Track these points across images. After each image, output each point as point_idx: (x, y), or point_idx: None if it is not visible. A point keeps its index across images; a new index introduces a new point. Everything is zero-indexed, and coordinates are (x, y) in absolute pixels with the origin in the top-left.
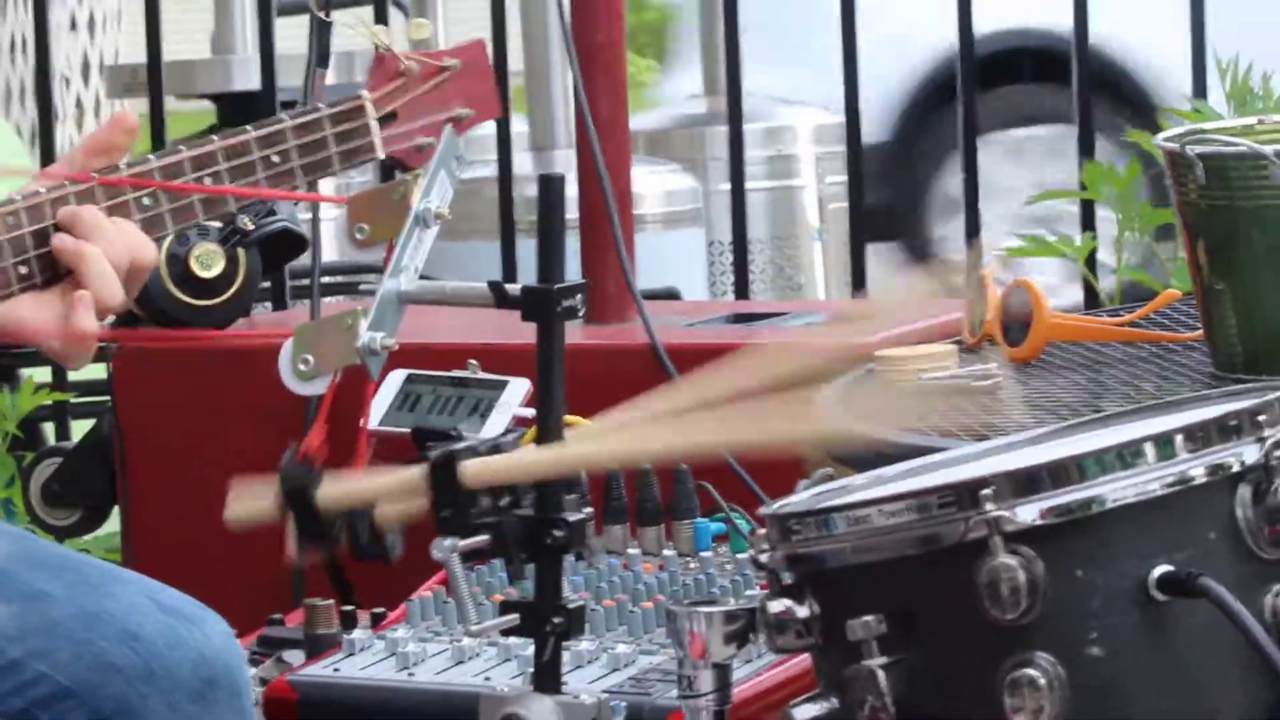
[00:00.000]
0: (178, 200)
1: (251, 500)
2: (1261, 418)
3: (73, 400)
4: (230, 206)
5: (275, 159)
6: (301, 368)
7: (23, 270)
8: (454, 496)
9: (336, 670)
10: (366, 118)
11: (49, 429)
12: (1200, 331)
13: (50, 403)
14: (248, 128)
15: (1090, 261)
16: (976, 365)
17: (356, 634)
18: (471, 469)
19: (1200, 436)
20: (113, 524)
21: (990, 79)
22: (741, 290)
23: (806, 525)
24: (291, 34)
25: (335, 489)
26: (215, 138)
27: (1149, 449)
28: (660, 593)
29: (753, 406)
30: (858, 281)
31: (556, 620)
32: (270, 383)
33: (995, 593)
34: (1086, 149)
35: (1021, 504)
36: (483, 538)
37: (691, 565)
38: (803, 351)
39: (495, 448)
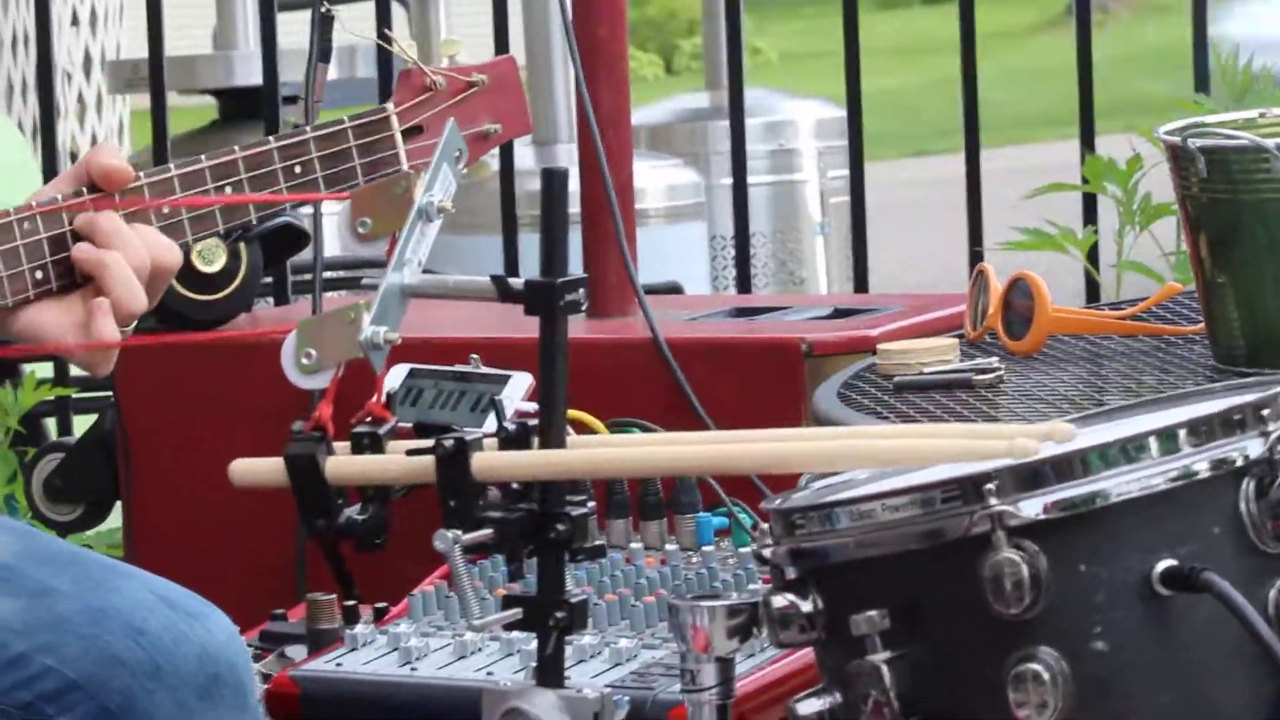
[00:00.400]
0: (196, 208)
1: (259, 466)
2: (1265, 412)
3: (75, 395)
4: (250, 215)
5: (298, 169)
6: (304, 362)
7: (39, 276)
8: (462, 488)
9: (339, 665)
10: (391, 130)
11: (51, 424)
12: (1202, 325)
13: (52, 398)
14: (269, 139)
15: (1092, 255)
16: (978, 359)
17: (359, 629)
18: (482, 462)
19: (1204, 431)
20: (115, 519)
21: None
22: (744, 284)
23: (810, 520)
24: (293, 29)
25: (344, 464)
26: (236, 148)
27: (1153, 443)
28: (663, 587)
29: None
30: (860, 276)
31: (559, 615)
32: (273, 377)
33: (999, 587)
34: (1088, 142)
35: (1025, 498)
36: (486, 532)
37: (694, 559)
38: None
39: (508, 441)
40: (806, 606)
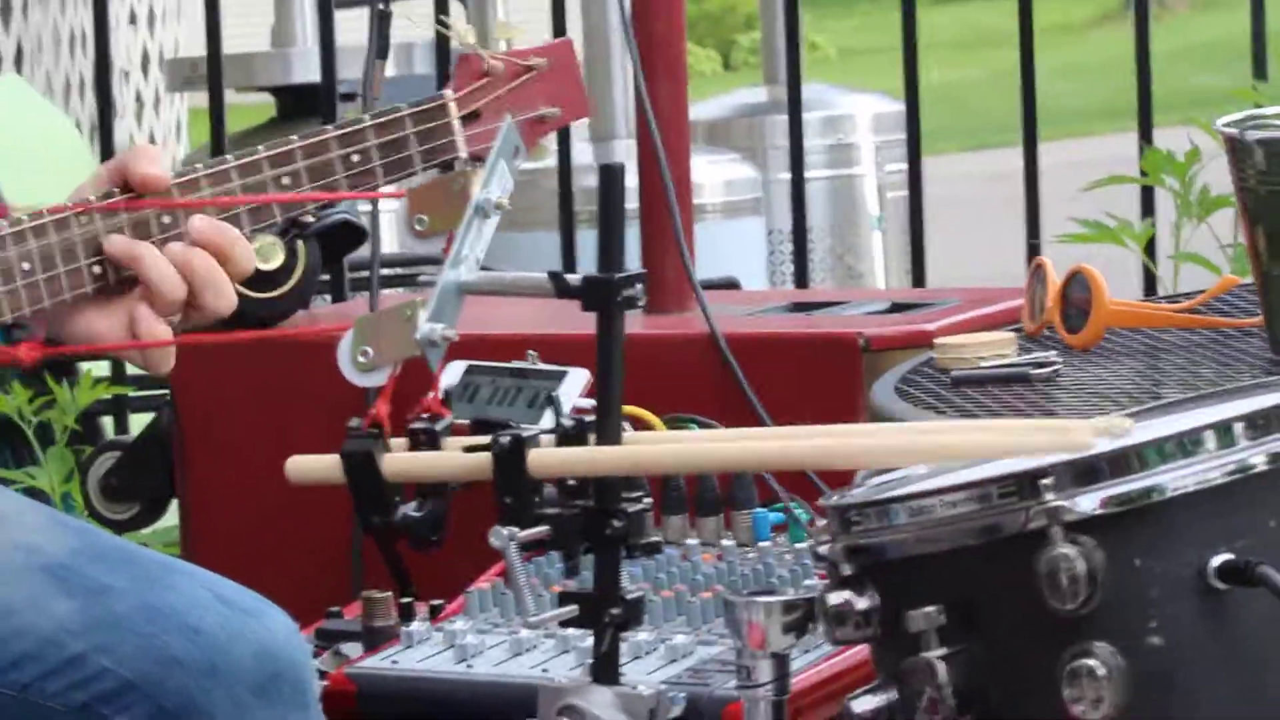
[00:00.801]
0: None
1: (315, 463)
2: None
3: (131, 394)
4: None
5: (355, 158)
6: (361, 359)
7: (96, 271)
8: (519, 484)
9: (395, 663)
10: (449, 117)
11: (108, 423)
12: (1260, 317)
13: (109, 396)
14: (328, 127)
15: (1149, 248)
16: (1036, 352)
17: (415, 626)
18: (539, 459)
19: (1261, 424)
20: (171, 518)
21: None
22: (801, 279)
23: (867, 516)
24: (351, 26)
25: (400, 460)
26: (295, 137)
27: (1209, 437)
28: (719, 583)
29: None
30: (918, 270)
31: (615, 611)
32: (329, 375)
33: (1055, 582)
34: (1146, 135)
35: (1081, 493)
36: (542, 529)
37: (750, 555)
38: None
39: (565, 438)
40: (862, 603)
